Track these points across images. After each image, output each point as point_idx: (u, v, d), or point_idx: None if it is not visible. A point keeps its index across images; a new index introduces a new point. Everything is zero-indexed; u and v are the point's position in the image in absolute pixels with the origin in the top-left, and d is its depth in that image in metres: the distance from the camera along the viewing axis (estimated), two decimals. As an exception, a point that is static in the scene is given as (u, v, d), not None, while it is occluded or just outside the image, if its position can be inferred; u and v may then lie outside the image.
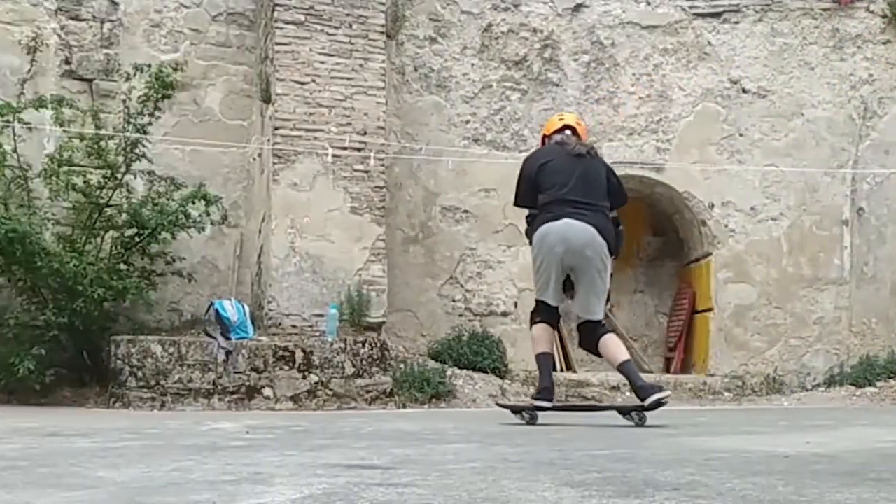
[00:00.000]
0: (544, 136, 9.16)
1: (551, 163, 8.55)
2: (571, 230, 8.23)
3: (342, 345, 11.44)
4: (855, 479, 4.05)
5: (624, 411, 8.46)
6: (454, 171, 14.04)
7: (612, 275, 8.72)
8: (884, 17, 15.31)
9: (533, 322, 8.68)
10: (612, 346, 8.41)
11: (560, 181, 8.40)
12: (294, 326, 12.30)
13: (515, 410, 8.76)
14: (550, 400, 8.40)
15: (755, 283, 14.90)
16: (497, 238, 14.29)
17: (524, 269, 13.54)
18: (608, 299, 8.88)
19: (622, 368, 8.28)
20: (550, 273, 8.39)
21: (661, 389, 8.12)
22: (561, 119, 9.20)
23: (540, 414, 8.34)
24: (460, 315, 14.02)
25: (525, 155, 13.18)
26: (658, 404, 7.93)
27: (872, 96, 15.26)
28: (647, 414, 8.05)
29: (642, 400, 7.99)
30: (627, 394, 12.45)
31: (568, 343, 14.59)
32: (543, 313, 8.59)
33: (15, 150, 11.88)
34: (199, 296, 13.17)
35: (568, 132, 8.82)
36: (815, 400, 13.74)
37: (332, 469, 4.32)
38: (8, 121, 11.81)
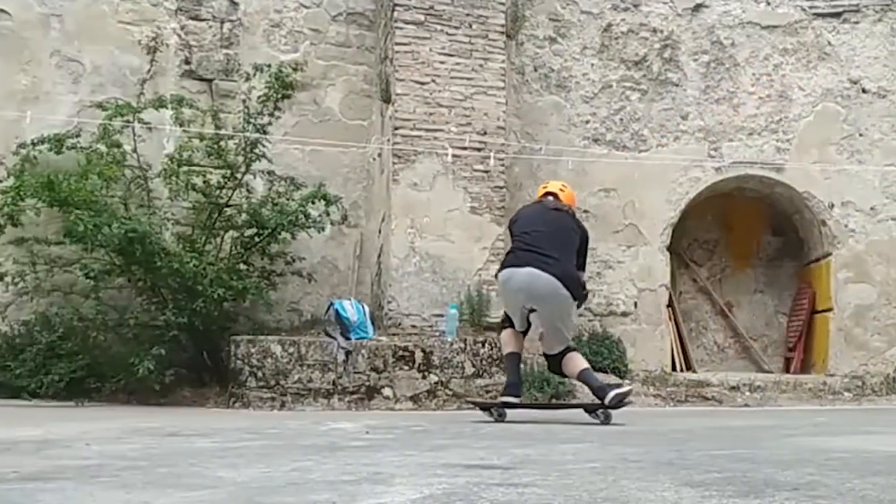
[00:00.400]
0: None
1: (527, 215, 8.79)
2: (535, 281, 8.25)
3: (462, 345, 10.86)
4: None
5: (590, 409, 8.45)
6: (574, 170, 13.11)
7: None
8: None
9: (502, 327, 8.85)
10: (572, 362, 8.42)
11: (530, 230, 8.51)
12: (414, 326, 11.60)
13: (484, 408, 8.85)
14: (518, 396, 8.52)
15: (875, 283, 13.97)
16: (617, 238, 13.50)
17: (644, 269, 13.41)
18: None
19: (581, 377, 8.40)
20: (514, 312, 8.57)
21: (618, 385, 8.51)
22: (545, 187, 9.27)
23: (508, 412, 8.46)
24: (580, 315, 12.99)
25: (644, 156, 12.68)
26: (620, 400, 8.01)
27: None
28: (614, 412, 8.11)
29: (602, 399, 8.06)
30: (747, 393, 12.51)
31: (688, 343, 14.09)
32: (511, 323, 8.69)
33: (135, 150, 11.36)
34: (318, 296, 12.48)
35: (550, 198, 8.92)
36: (935, 400, 13.17)
37: (451, 469, 4.17)
38: (128, 121, 11.28)
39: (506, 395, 8.48)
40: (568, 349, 8.45)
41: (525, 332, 8.67)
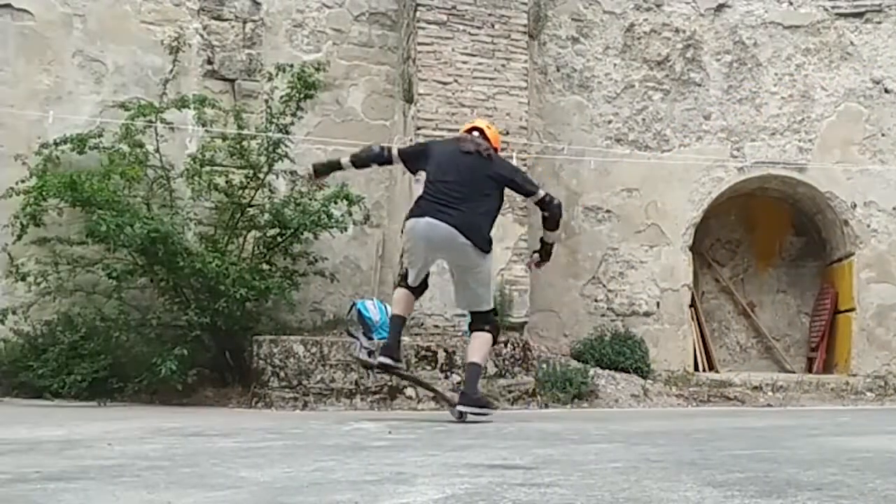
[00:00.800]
0: None
1: (439, 158, 8.25)
2: (433, 232, 7.96)
3: None
4: None
5: (451, 403, 8.41)
6: (596, 170, 13.22)
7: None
8: None
9: (397, 285, 8.53)
10: (476, 344, 8.12)
11: (439, 178, 8.11)
12: (436, 326, 11.50)
13: (367, 367, 8.86)
14: (392, 357, 8.19)
15: (897, 283, 13.88)
16: (639, 238, 13.45)
17: (666, 269, 13.37)
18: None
19: (468, 367, 8.20)
20: (413, 263, 8.24)
21: (482, 406, 7.99)
22: (471, 123, 8.83)
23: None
24: (602, 315, 13.31)
25: (667, 156, 12.63)
26: (465, 416, 7.88)
27: None
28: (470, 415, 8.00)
29: (458, 403, 7.99)
30: (770, 393, 12.49)
31: (710, 343, 14.05)
32: (406, 280, 8.35)
33: (157, 150, 11.26)
34: (341, 296, 12.42)
35: (476, 133, 8.38)
36: (957, 400, 13.06)
37: (474, 469, 4.13)
38: (150, 121, 11.19)
39: (383, 354, 8.18)
40: (484, 327, 8.14)
41: (419, 292, 8.37)
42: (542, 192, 8.30)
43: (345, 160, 8.68)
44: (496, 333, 8.34)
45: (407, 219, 8.24)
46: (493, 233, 8.09)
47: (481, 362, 8.15)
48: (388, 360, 8.16)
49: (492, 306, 8.27)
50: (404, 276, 8.41)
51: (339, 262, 12.50)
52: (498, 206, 8.25)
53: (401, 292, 8.31)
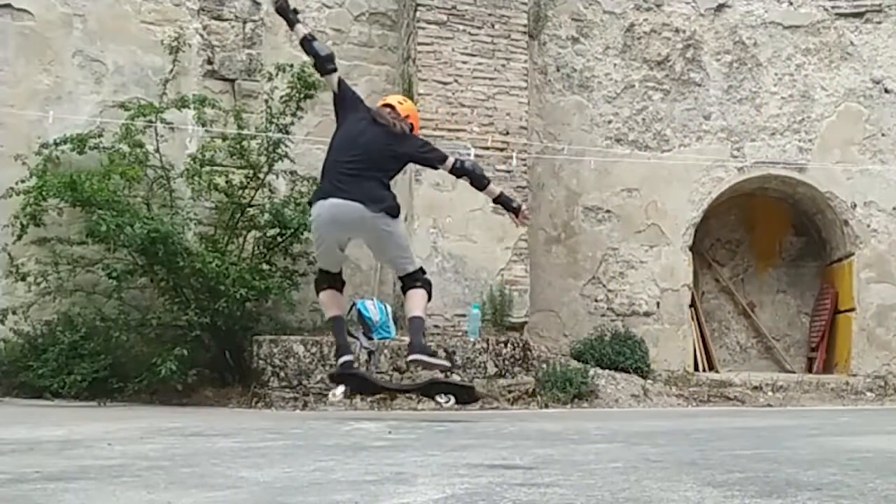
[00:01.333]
0: None
1: (354, 121, 8.19)
2: (340, 212, 7.91)
3: (484, 345, 10.78)
4: None
5: (433, 392, 8.55)
6: (596, 170, 13.24)
7: None
8: None
9: (319, 289, 8.44)
10: (415, 300, 8.23)
11: (339, 155, 8.08)
12: (436, 326, 11.43)
13: (334, 378, 8.59)
14: (347, 354, 8.30)
15: (897, 283, 13.86)
16: (639, 238, 13.47)
17: (666, 269, 13.36)
18: None
19: (411, 321, 8.19)
20: (322, 246, 8.22)
21: (431, 355, 8.25)
22: (384, 99, 8.80)
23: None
24: (602, 315, 13.32)
25: (667, 156, 12.65)
26: (422, 364, 8.16)
27: None
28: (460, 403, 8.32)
29: (408, 353, 8.14)
30: (770, 393, 12.45)
31: (710, 343, 14.06)
32: (325, 280, 8.35)
33: (157, 150, 11.25)
34: (341, 296, 12.18)
35: (388, 110, 8.30)
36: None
37: (474, 469, 4.11)
38: (150, 121, 11.19)
39: (339, 355, 8.28)
40: (416, 284, 8.25)
41: (341, 285, 8.38)
42: (450, 161, 8.31)
43: (302, 29, 8.38)
44: (429, 289, 8.38)
45: (311, 203, 8.19)
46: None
47: (423, 315, 8.19)
48: (345, 358, 8.24)
49: (417, 265, 8.37)
50: (320, 278, 8.40)
51: (340, 262, 12.39)
52: (397, 172, 8.32)
53: (326, 293, 8.33)
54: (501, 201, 8.59)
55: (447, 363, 8.59)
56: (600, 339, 12.78)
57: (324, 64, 8.33)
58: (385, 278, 12.62)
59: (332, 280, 8.30)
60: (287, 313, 11.81)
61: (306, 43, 8.28)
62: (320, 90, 11.62)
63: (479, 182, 8.40)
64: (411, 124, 8.34)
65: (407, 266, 8.24)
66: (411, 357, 8.06)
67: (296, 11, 8.46)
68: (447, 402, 8.43)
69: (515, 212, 8.59)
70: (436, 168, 8.55)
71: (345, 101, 8.32)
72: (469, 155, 11.57)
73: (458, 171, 8.32)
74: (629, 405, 11.35)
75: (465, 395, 8.56)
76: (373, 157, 7.96)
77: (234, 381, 11.04)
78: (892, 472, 4.11)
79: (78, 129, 11.10)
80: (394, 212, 7.98)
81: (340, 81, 8.40)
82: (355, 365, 8.50)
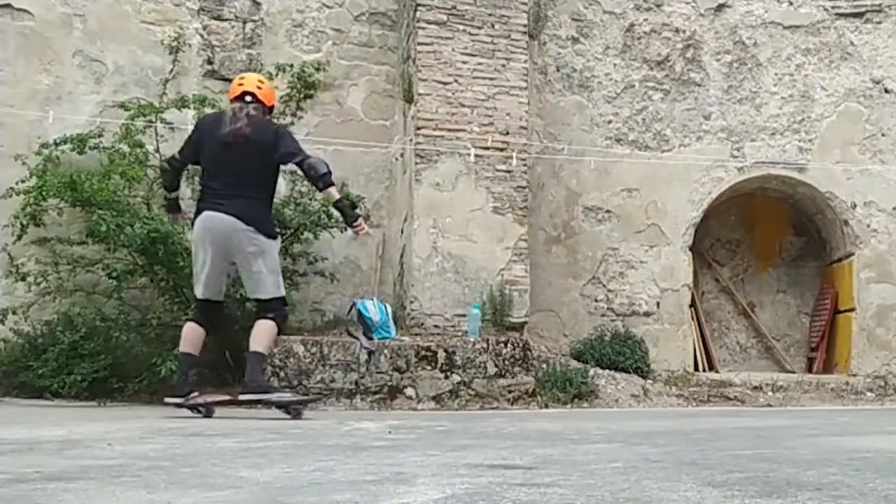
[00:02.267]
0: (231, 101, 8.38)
1: (209, 146, 8.11)
2: (211, 223, 7.94)
3: (484, 345, 10.70)
4: None
5: (282, 405, 8.21)
6: (596, 171, 13.18)
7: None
8: None
9: (189, 317, 8.47)
10: (260, 331, 8.04)
11: (210, 168, 8.15)
12: (436, 326, 11.47)
13: (182, 406, 8.29)
14: (182, 396, 8.13)
15: (897, 283, 13.90)
16: (639, 238, 13.41)
17: (666, 269, 13.33)
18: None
19: (250, 356, 8.03)
20: (198, 262, 8.14)
21: (265, 392, 8.11)
22: (241, 84, 8.34)
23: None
24: (602, 315, 13.27)
25: (667, 156, 12.63)
26: (260, 402, 8.14)
27: None
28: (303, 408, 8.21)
29: (240, 393, 8.19)
30: (770, 393, 12.46)
31: (710, 343, 14.05)
32: (196, 312, 8.36)
33: (157, 150, 11.20)
34: (341, 296, 12.39)
35: (248, 98, 8.15)
36: (956, 400, 13.05)
37: (474, 469, 4.14)
38: (150, 121, 11.20)
39: (175, 396, 8.20)
40: (269, 315, 8.08)
41: (212, 322, 8.28)
42: (298, 158, 8.15)
43: (171, 194, 8.64)
44: (281, 323, 8.30)
45: (194, 217, 8.14)
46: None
47: (264, 351, 8.09)
48: (174, 400, 8.15)
49: (280, 294, 8.22)
50: (195, 307, 8.39)
51: (339, 262, 12.46)
52: (275, 181, 8.28)
53: (188, 327, 8.25)
54: (338, 207, 8.43)
55: (289, 396, 8.43)
56: (600, 339, 12.75)
57: (176, 171, 8.53)
58: (385, 278, 12.68)
59: (202, 312, 8.26)
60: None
61: (170, 187, 8.66)
62: (320, 90, 11.71)
63: (315, 182, 8.23)
64: (269, 107, 8.36)
65: (267, 290, 8.12)
66: (244, 397, 8.04)
67: (172, 203, 8.75)
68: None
69: (350, 221, 8.46)
70: (286, 164, 8.40)
71: (192, 149, 8.32)
72: (469, 155, 11.67)
73: (302, 168, 8.24)
74: (629, 405, 11.36)
75: (299, 408, 8.29)
76: (238, 171, 7.97)
77: (234, 381, 10.90)
78: (892, 472, 4.12)
79: (78, 129, 11.10)
80: (270, 231, 8.11)
81: (179, 153, 8.47)
82: (191, 397, 8.21)
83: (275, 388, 8.52)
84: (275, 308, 8.12)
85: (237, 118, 8.05)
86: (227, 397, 8.62)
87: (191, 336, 8.21)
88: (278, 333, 8.37)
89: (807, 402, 12.17)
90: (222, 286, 8.35)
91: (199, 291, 8.18)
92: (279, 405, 8.12)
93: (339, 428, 6.98)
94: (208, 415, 8.09)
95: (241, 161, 7.95)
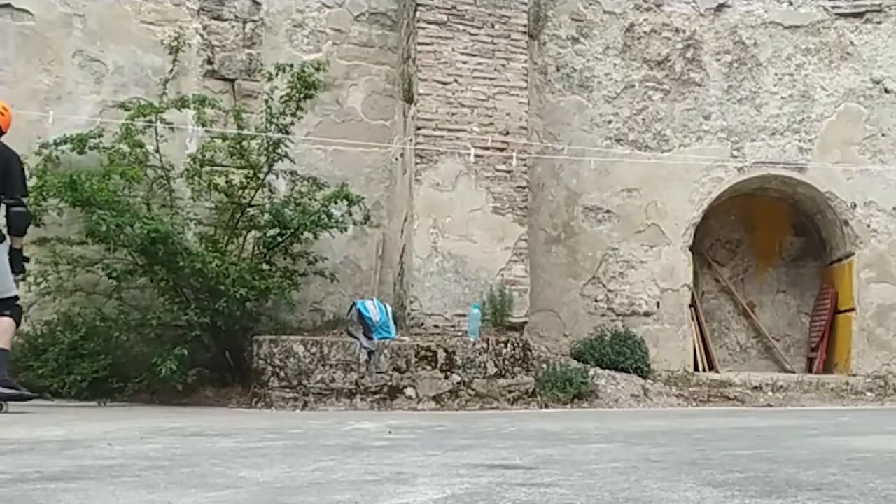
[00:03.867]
0: None
1: None
2: None
3: (484, 345, 10.78)
4: None
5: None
6: (596, 170, 13.22)
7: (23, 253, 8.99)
8: None
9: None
10: (1, 329, 8.46)
11: None
12: (436, 326, 11.50)
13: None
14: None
15: (897, 283, 13.81)
16: (639, 238, 13.44)
17: (666, 269, 13.30)
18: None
19: None
20: None
21: (10, 388, 8.37)
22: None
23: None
24: (602, 315, 13.28)
25: (667, 156, 12.74)
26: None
27: None
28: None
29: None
30: (770, 393, 12.49)
31: (710, 343, 14.07)
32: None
33: (157, 150, 11.23)
34: (341, 296, 12.41)
35: None
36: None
37: (474, 469, 4.20)
38: (150, 121, 11.17)
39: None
40: (6, 313, 8.51)
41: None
42: (12, 200, 8.66)
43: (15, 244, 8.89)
44: (18, 318, 8.72)
45: None
46: None
47: (6, 346, 8.48)
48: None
49: (13, 293, 8.66)
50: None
51: (339, 262, 12.46)
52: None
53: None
54: (17, 253, 8.81)
55: (27, 393, 8.67)
56: (600, 339, 12.75)
57: None
58: (385, 278, 12.68)
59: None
60: (287, 313, 11.78)
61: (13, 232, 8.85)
62: (320, 90, 11.65)
63: (15, 230, 8.71)
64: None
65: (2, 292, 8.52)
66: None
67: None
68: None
69: (15, 269, 8.82)
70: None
71: None
72: (469, 155, 11.69)
73: (9, 211, 8.66)
74: (629, 405, 11.38)
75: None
76: None
77: (235, 381, 11.05)
78: (891, 472, 4.14)
79: (78, 129, 11.08)
80: None
81: None
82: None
83: (18, 386, 8.73)
84: (11, 306, 8.62)
85: None
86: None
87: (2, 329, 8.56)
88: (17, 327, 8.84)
89: (807, 402, 12.18)
90: None
91: None
92: (15, 400, 8.41)
93: (338, 428, 7.01)
94: None
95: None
